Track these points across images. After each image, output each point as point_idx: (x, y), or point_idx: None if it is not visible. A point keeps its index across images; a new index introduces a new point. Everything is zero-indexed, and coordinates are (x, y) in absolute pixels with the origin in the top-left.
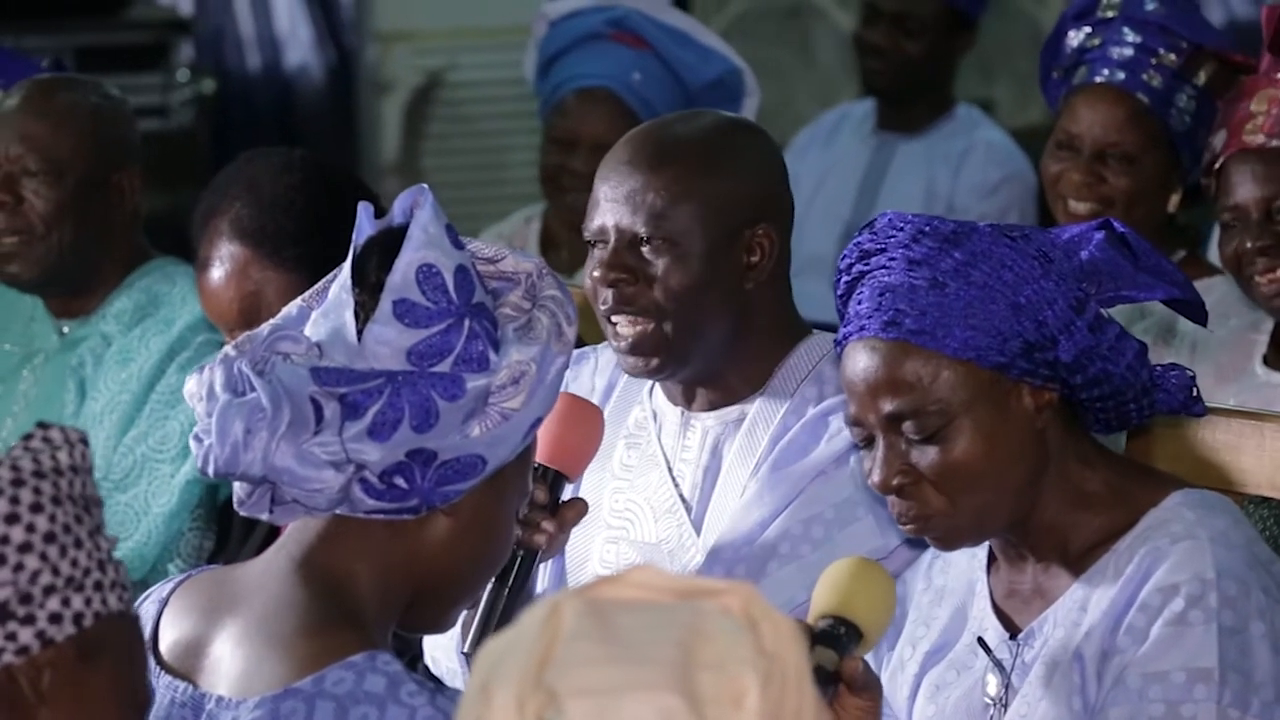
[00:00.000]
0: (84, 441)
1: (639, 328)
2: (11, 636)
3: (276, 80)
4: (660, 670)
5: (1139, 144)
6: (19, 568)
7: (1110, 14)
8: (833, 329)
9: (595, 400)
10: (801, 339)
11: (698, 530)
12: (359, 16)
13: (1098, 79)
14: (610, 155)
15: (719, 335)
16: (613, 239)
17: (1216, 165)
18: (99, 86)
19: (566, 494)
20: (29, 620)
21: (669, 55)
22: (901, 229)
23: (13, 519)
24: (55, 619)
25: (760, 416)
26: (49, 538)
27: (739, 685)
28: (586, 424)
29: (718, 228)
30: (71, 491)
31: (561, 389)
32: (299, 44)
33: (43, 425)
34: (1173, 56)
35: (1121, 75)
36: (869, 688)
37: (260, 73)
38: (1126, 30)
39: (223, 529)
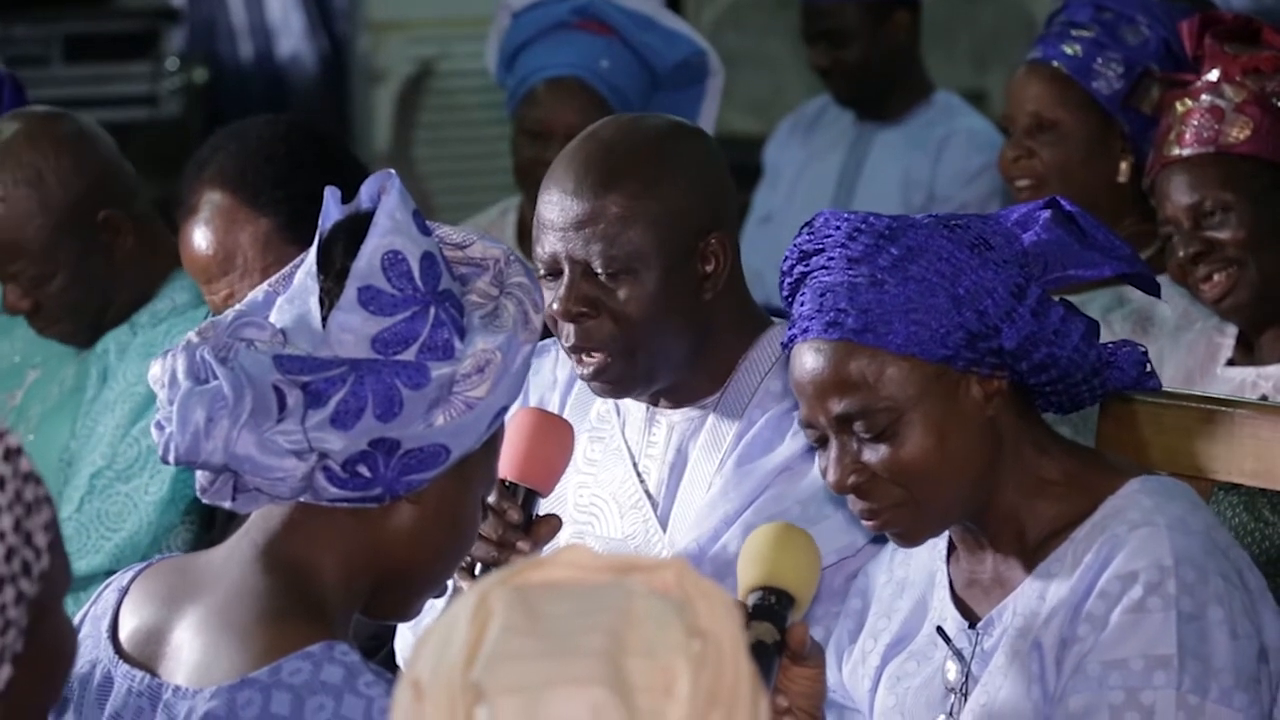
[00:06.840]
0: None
1: (604, 363)
2: None
3: (269, 69)
4: (589, 662)
5: (1060, 112)
6: None
7: (1060, 8)
8: None
9: (556, 393)
10: (763, 330)
11: (664, 526)
12: (351, 6)
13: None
14: (551, 178)
15: (683, 351)
16: (567, 271)
17: (1151, 185)
18: (66, 130)
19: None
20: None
21: (635, 40)
22: (838, 228)
23: None
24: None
25: (725, 412)
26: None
27: (669, 673)
28: (556, 439)
29: (673, 245)
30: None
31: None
32: (291, 33)
33: None
34: (1096, 27)
35: (1042, 51)
36: (813, 655)
37: (252, 62)
38: (1063, 14)
39: (209, 518)
